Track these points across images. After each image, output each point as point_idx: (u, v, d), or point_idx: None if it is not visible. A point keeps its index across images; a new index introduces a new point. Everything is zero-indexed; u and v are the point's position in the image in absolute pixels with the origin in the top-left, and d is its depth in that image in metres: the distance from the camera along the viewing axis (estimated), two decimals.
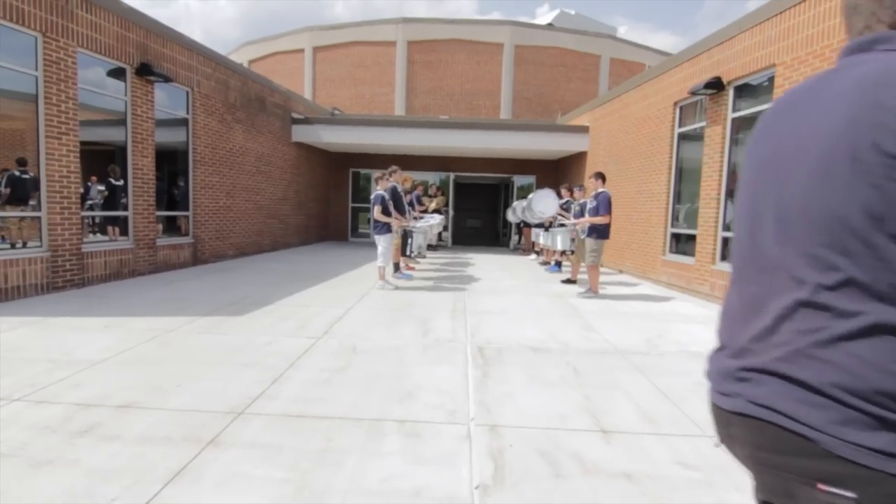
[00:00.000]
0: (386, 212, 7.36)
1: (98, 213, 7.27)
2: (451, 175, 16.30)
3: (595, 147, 12.27)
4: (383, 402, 3.13)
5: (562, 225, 9.31)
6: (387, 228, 7.33)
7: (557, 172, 15.48)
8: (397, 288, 7.38)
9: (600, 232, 7.14)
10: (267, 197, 11.81)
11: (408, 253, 8.60)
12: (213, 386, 3.33)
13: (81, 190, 6.98)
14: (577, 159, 13.51)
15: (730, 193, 7.12)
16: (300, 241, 13.95)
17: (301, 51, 21.96)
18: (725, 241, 7.15)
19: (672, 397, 3.38)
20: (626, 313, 6.19)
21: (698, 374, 3.88)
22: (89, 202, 7.22)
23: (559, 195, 9.83)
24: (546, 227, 10.09)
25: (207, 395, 3.17)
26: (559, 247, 8.99)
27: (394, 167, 8.11)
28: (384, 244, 7.32)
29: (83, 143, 6.57)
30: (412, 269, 9.35)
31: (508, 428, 2.83)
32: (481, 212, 20.04)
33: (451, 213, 15.86)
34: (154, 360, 3.83)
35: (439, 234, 14.53)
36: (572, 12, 28.26)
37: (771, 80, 6.25)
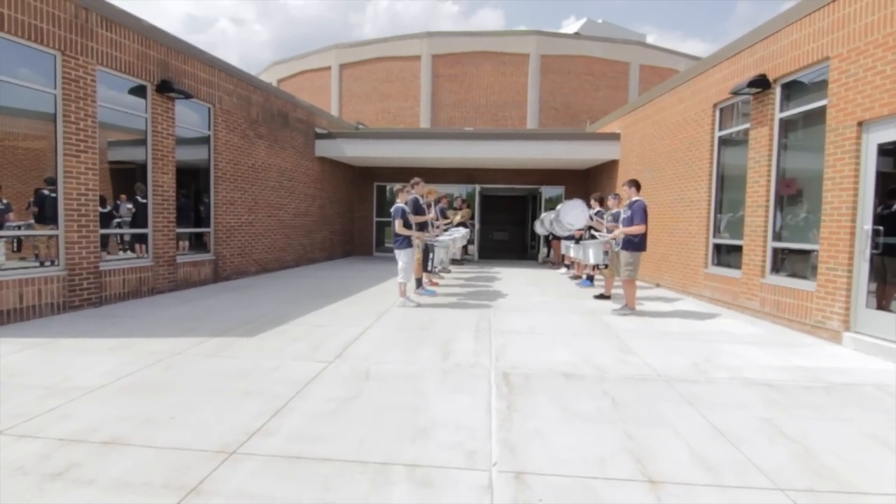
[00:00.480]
0: (407, 225, 7.06)
1: (116, 231, 7.20)
2: (477, 187, 15.95)
3: (627, 155, 11.73)
4: (393, 441, 2.75)
5: (592, 236, 8.81)
6: (407, 243, 7.01)
7: (587, 182, 14.94)
8: (419, 305, 7.02)
9: (636, 244, 6.65)
10: (290, 212, 11.70)
11: (430, 268, 8.24)
12: (208, 418, 3.03)
13: (108, 208, 6.96)
14: (608, 168, 12.97)
15: (779, 200, 6.52)
16: (324, 257, 13.81)
17: (328, 68, 22.21)
18: (776, 251, 6.52)
19: (730, 437, 2.88)
20: (668, 333, 5.65)
21: (759, 407, 3.36)
22: (118, 220, 7.20)
23: (589, 206, 9.36)
24: (577, 239, 9.59)
25: (201, 429, 2.87)
26: (591, 260, 8.47)
27: (416, 179, 7.86)
28: (405, 259, 7.00)
29: (110, 162, 6.51)
30: (435, 284, 9.00)
31: (537, 476, 2.41)
32: (508, 224, 19.58)
33: (476, 225, 15.48)
34: (153, 387, 3.57)
35: (465, 247, 14.15)
36: (599, 21, 27.79)
37: (824, 74, 5.69)
